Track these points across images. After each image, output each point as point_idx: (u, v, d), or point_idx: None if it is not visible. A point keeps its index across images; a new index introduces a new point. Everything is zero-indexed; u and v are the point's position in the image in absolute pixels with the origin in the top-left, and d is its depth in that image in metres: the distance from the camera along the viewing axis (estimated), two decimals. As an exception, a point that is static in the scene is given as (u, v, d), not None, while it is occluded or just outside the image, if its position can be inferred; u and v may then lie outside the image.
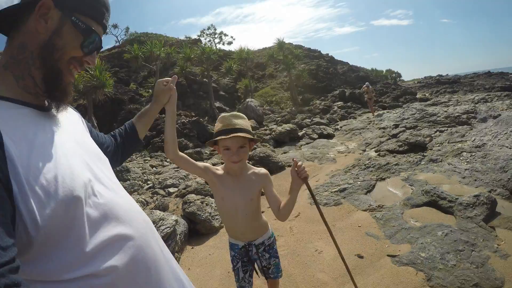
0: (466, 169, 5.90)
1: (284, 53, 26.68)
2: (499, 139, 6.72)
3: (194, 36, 44.92)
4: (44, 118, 1.06)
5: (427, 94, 31.66)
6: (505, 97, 16.39)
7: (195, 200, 5.49)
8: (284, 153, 10.89)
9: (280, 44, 26.51)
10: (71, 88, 1.15)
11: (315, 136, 12.57)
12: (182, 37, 42.65)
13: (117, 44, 36.20)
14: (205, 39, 45.29)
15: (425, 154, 7.44)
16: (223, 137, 1.98)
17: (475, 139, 7.43)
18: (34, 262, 0.86)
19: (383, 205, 4.99)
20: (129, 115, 15.81)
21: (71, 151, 1.06)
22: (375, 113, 16.63)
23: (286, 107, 25.99)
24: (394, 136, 10.37)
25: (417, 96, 29.49)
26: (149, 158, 11.87)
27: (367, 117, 16.40)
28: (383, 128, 11.49)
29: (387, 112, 16.67)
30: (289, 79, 26.74)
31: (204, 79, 21.28)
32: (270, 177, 2.23)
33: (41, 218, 0.84)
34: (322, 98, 26.57)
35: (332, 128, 14.25)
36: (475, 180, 5.47)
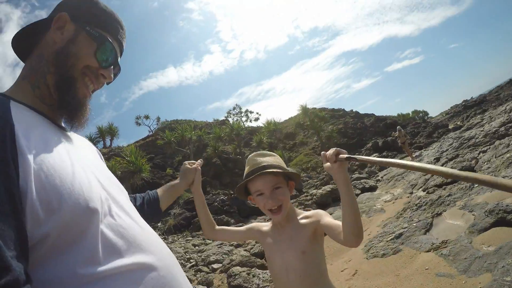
0: None
1: (310, 118, 26.99)
2: None
3: (221, 117, 46.74)
4: (60, 132, 1.05)
5: (458, 123, 31.17)
6: None
7: (240, 272, 5.20)
8: (330, 214, 10.43)
9: (305, 110, 26.99)
10: (87, 105, 1.13)
11: (357, 191, 12.12)
12: (210, 120, 44.35)
13: (150, 133, 37.70)
14: (232, 119, 46.94)
15: (476, 177, 6.91)
16: (250, 178, 1.61)
17: (525, 146, 6.92)
18: (39, 265, 0.80)
19: (447, 240, 4.52)
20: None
21: (88, 167, 1.02)
22: (413, 155, 16.08)
23: (323, 170, 25.64)
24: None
25: (450, 126, 28.87)
26: (191, 238, 11.64)
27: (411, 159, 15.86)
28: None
29: (425, 150, 16.07)
30: (319, 142, 26.71)
31: (238, 156, 21.51)
32: (324, 212, 1.64)
33: (45, 221, 0.78)
34: (357, 153, 26.17)
35: (374, 180, 13.75)
36: None
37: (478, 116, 23.67)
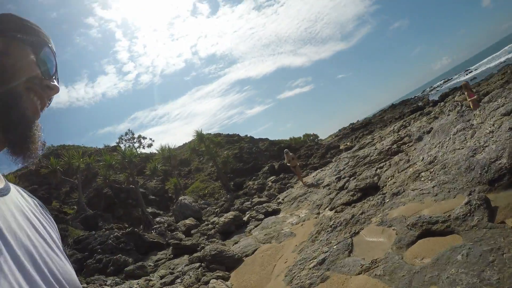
0: (433, 186, 5.41)
1: (205, 144, 26.26)
2: (446, 147, 6.43)
3: (112, 143, 43.48)
4: None
5: (348, 143, 33.42)
6: (420, 116, 17.31)
7: None
8: (236, 243, 9.76)
9: (200, 136, 26.13)
10: (35, 131, 0.89)
11: (260, 216, 11.67)
12: (101, 146, 40.84)
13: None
14: (124, 145, 44.11)
15: (384, 192, 6.86)
16: None
17: (423, 157, 7.09)
18: None
19: (376, 259, 4.13)
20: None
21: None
22: (303, 180, 15.75)
23: (220, 196, 25.00)
24: (342, 188, 9.84)
25: (341, 147, 30.70)
26: (85, 285, 9.88)
27: (304, 182, 15.99)
28: (327, 185, 10.94)
29: (321, 170, 16.43)
30: (216, 168, 26.08)
31: (131, 185, 19.70)
32: None
33: None
34: (254, 178, 26.09)
35: (275, 203, 13.48)
36: (449, 191, 5.01)
37: (368, 136, 25.40)
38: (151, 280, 8.43)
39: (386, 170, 8.88)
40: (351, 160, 13.35)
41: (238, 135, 41.06)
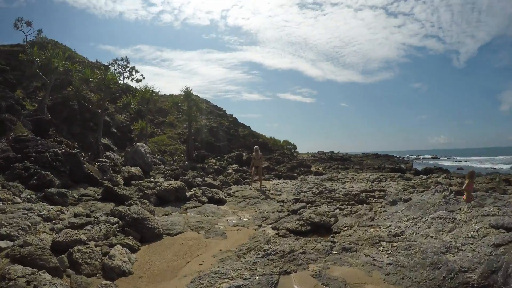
0: (389, 263, 4.83)
1: (188, 103, 25.27)
2: (419, 227, 5.84)
3: (105, 62, 41.62)
4: None
5: (320, 168, 32.91)
6: (398, 178, 16.84)
7: (17, 277, 3.41)
8: (165, 215, 9.02)
9: (188, 94, 25.09)
10: None
11: (204, 199, 10.94)
12: (92, 60, 38.95)
13: (24, 43, 30.53)
14: (116, 69, 42.66)
15: (335, 240, 6.23)
16: None
17: (390, 225, 6.51)
18: None
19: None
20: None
21: None
22: (262, 183, 14.96)
23: (179, 160, 24.16)
24: (294, 212, 9.23)
25: (312, 169, 30.26)
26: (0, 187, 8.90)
27: (263, 185, 15.32)
28: (282, 201, 10.31)
29: (284, 182, 15.81)
30: (188, 131, 25.18)
31: (98, 110, 18.54)
32: None
33: None
34: (218, 157, 25.34)
35: (225, 193, 12.77)
36: (403, 278, 4.43)
37: (342, 172, 24.88)
38: (63, 213, 7.59)
39: (346, 216, 8.33)
40: (316, 186, 12.82)
41: (224, 111, 40.07)
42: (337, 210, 9.00)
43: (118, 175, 13.20)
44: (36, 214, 7.06)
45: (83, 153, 17.81)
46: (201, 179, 14.70)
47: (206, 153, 25.58)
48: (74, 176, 11.69)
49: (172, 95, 25.58)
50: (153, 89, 22.90)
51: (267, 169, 24.09)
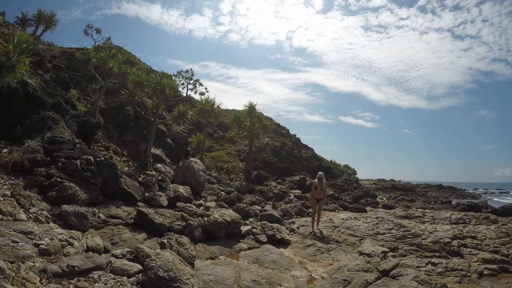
0: None
1: (252, 119, 23.30)
2: None
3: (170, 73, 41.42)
4: None
5: (385, 198, 30.30)
6: (484, 220, 13.57)
7: None
8: (211, 258, 6.83)
9: (251, 109, 23.16)
10: None
11: (263, 238, 8.59)
12: (156, 69, 38.70)
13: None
14: (180, 80, 42.39)
15: None
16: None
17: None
18: None
19: None
20: (34, 125, 10.80)
21: None
22: (318, 221, 11.17)
23: (237, 179, 22.11)
24: (386, 273, 6.59)
25: (377, 199, 27.13)
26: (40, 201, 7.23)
27: (329, 219, 12.70)
28: (367, 254, 7.65)
29: (354, 218, 13.07)
30: (248, 149, 23.14)
31: (151, 118, 17.05)
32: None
33: None
34: (279, 180, 22.94)
35: (287, 229, 10.36)
36: None
37: (415, 208, 21.52)
38: (72, 245, 5.61)
39: (442, 274, 5.61)
40: (396, 228, 10.34)
41: (288, 130, 37.79)
42: (429, 266, 7.16)
43: (163, 194, 11.28)
44: (33, 242, 5.11)
45: (130, 163, 16.32)
46: (259, 207, 12.41)
47: (266, 174, 23.35)
48: (107, 190, 9.91)
49: (235, 110, 23.77)
50: (214, 101, 21.19)
51: (331, 198, 21.34)
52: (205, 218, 8.62)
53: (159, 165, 16.90)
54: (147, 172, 13.84)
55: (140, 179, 12.54)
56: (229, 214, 8.65)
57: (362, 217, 13.04)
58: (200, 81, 44.56)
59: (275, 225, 9.33)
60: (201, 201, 12.49)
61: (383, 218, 12.28)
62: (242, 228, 8.75)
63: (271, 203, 14.73)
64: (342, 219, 12.79)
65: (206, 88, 43.64)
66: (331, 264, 7.32)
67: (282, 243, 8.62)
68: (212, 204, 11.78)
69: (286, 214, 13.14)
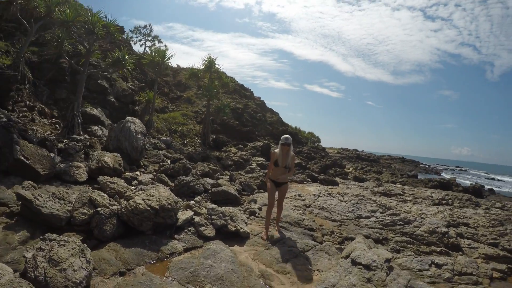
0: None
1: (210, 76, 20.26)
2: None
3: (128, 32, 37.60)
4: None
5: (351, 169, 29.57)
6: (467, 202, 12.16)
7: None
8: (121, 274, 4.23)
9: (210, 64, 20.02)
10: None
11: (209, 231, 5.88)
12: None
13: None
14: (137, 37, 38.52)
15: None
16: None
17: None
18: None
19: None
20: None
21: None
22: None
23: (192, 143, 19.25)
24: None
25: (346, 170, 25.44)
26: None
27: (298, 195, 10.34)
28: (365, 266, 5.09)
29: (327, 193, 10.63)
30: (206, 109, 20.20)
31: (91, 67, 13.63)
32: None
33: None
34: (240, 146, 20.25)
35: (246, 213, 7.79)
36: None
37: (392, 184, 19.72)
38: None
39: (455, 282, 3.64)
40: (380, 210, 8.32)
41: (252, 92, 34.82)
42: (434, 268, 5.70)
43: (82, 166, 8.38)
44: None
45: (58, 125, 13.13)
46: (212, 181, 9.69)
47: (226, 138, 20.56)
48: (0, 162, 6.97)
49: (193, 67, 20.56)
50: (165, 53, 17.91)
51: (298, 166, 19.03)
52: (125, 203, 5.85)
53: (95, 128, 13.85)
54: (73, 136, 10.82)
55: (60, 145, 9.59)
56: (158, 195, 5.82)
57: (337, 193, 10.72)
58: (159, 38, 40.55)
59: (228, 209, 6.58)
60: (137, 172, 9.66)
61: (363, 196, 10.00)
62: (179, 215, 6.01)
63: (228, 173, 12.07)
64: (314, 194, 10.43)
65: (165, 46, 39.77)
66: (309, 280, 4.80)
67: (237, 237, 5.99)
68: (148, 177, 8.95)
69: (245, 189, 10.57)
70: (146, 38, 40.12)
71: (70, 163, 8.38)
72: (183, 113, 23.86)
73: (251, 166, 15.35)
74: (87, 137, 12.25)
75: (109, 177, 7.96)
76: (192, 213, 6.19)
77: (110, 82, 18.10)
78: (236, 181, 11.08)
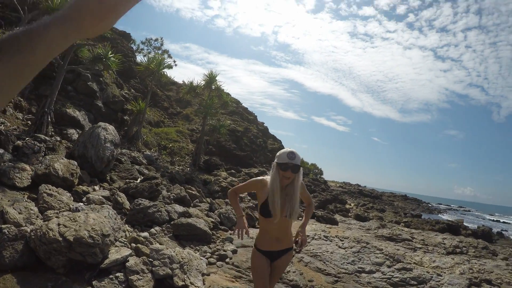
0: None
1: (209, 93, 18.85)
2: None
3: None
4: None
5: (353, 205, 28.05)
6: (483, 250, 10.68)
7: None
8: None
9: (211, 79, 18.64)
10: None
11: (142, 285, 4.05)
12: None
13: None
14: (147, 49, 37.72)
15: None
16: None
17: None
18: None
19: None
20: None
21: None
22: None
23: (181, 163, 17.61)
24: None
25: (347, 206, 23.66)
26: None
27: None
28: None
29: (324, 236, 8.86)
30: (201, 128, 18.68)
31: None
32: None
33: None
34: (233, 171, 18.54)
35: (212, 256, 6.05)
36: None
37: (397, 226, 18.04)
38: None
39: None
40: (387, 262, 6.73)
41: (256, 117, 33.40)
42: None
43: (28, 169, 6.85)
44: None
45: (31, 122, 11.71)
46: (182, 209, 7.93)
47: (219, 161, 18.91)
48: None
49: (192, 82, 19.07)
50: (161, 62, 16.55)
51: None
52: (38, 224, 4.21)
53: (71, 131, 12.32)
54: (38, 135, 9.32)
55: (18, 143, 8.11)
56: (83, 222, 4.19)
57: (336, 236, 9.04)
58: (169, 52, 39.55)
59: (182, 253, 4.85)
60: (96, 187, 8.02)
61: (366, 243, 8.31)
62: (110, 254, 4.34)
63: (208, 202, 10.35)
64: (307, 236, 8.70)
65: (175, 61, 38.72)
66: None
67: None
68: (103, 194, 7.28)
69: (224, 222, 8.84)
70: (156, 51, 39.30)
71: (17, 164, 6.86)
72: (178, 130, 22.34)
73: (240, 195, 13.66)
74: (58, 138, 10.80)
75: (54, 188, 6.38)
76: (129, 252, 4.48)
77: (101, 85, 16.69)
78: (216, 211, 9.36)
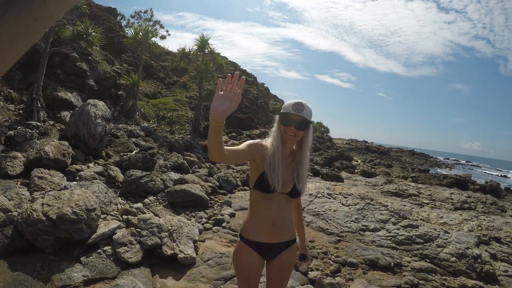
0: None
1: (203, 57, 18.50)
2: None
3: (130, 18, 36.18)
4: None
5: (359, 161, 27.29)
6: (492, 206, 10.47)
7: None
8: None
9: (203, 43, 18.25)
10: None
11: (131, 255, 4.06)
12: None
13: None
14: (138, 23, 36.75)
15: None
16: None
17: None
18: None
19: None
20: None
21: None
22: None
23: (180, 131, 17.59)
24: None
25: (353, 162, 23.42)
26: None
27: None
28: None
29: (328, 193, 8.87)
30: (198, 94, 18.49)
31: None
32: None
33: None
34: (234, 133, 18.52)
35: (208, 222, 6.05)
36: None
37: (404, 181, 17.87)
38: None
39: None
40: (392, 219, 6.57)
41: (256, 78, 32.85)
42: None
43: (20, 156, 6.86)
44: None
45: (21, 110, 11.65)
46: (177, 176, 7.91)
47: (219, 126, 18.82)
48: None
49: (184, 48, 18.66)
50: (148, 31, 16.15)
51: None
52: (25, 207, 4.22)
53: (64, 113, 12.29)
54: (29, 122, 9.31)
55: (10, 132, 8.14)
56: (67, 199, 4.17)
57: (340, 193, 8.94)
58: (160, 23, 38.67)
59: (172, 220, 4.83)
60: (90, 164, 8.04)
61: (370, 200, 8.23)
62: (99, 229, 4.34)
63: (207, 167, 10.35)
64: (310, 194, 8.68)
65: (167, 31, 37.90)
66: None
67: (177, 263, 4.30)
68: (95, 170, 7.28)
69: (223, 186, 8.86)
70: (146, 23, 38.43)
71: (8, 153, 6.87)
72: (176, 99, 22.17)
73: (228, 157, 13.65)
74: (51, 123, 10.79)
75: (47, 170, 6.39)
76: (117, 224, 4.48)
77: (91, 64, 16.46)
78: (215, 175, 9.37)
